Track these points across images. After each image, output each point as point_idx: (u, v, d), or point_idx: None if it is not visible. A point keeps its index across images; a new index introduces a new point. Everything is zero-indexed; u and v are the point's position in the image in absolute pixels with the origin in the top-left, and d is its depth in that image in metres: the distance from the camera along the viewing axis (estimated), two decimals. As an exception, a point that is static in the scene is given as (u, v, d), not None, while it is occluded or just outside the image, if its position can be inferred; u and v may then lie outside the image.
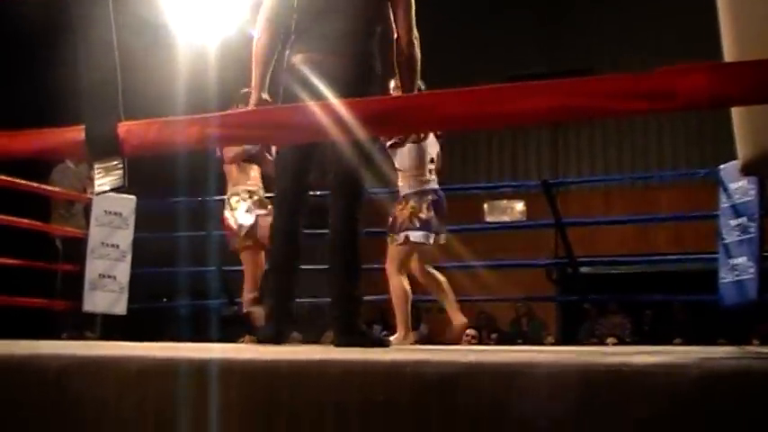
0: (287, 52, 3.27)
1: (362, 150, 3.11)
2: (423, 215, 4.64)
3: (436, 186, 4.78)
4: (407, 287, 4.69)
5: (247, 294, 5.21)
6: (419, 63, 3.29)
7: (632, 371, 1.13)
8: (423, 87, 4.28)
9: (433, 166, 4.81)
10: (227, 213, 5.24)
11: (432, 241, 4.68)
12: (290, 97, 3.07)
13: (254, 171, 5.30)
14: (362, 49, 3.19)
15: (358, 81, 3.10)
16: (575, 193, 11.51)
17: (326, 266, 3.15)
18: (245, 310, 5.18)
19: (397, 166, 4.82)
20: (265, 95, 3.33)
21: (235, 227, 5.17)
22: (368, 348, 2.55)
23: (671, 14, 11.37)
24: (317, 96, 2.90)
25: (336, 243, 3.11)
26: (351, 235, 3.11)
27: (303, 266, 3.30)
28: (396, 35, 3.25)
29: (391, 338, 4.52)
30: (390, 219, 4.80)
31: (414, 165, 4.74)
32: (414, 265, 4.83)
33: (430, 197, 4.70)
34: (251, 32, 3.30)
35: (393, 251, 4.71)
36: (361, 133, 1.52)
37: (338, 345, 2.98)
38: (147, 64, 7.59)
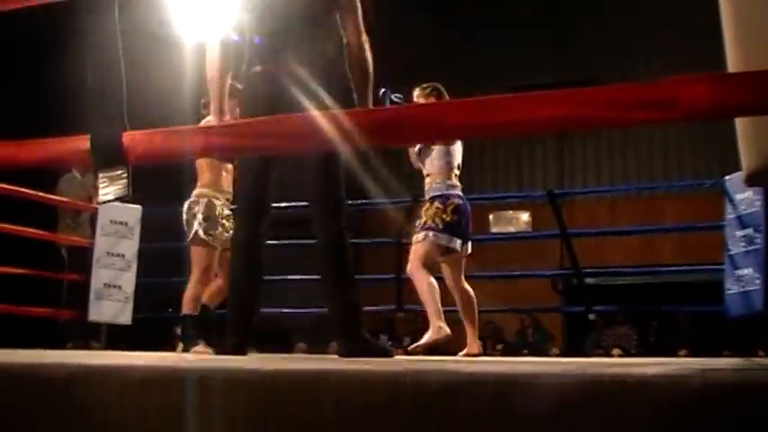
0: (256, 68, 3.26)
1: (336, 160, 3.11)
2: (446, 217, 4.64)
3: (461, 194, 4.80)
4: (433, 280, 4.59)
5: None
6: (371, 66, 3.28)
7: (636, 381, 1.12)
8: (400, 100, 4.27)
9: (458, 172, 4.84)
10: (185, 213, 5.09)
11: (458, 246, 4.66)
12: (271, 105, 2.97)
13: (227, 172, 5.01)
14: (338, 61, 3.21)
15: (342, 91, 3.12)
16: (580, 203, 11.50)
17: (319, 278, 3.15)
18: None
19: (424, 169, 4.84)
20: (227, 118, 3.36)
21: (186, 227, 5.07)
22: (372, 358, 2.55)
23: (677, 25, 11.37)
24: (307, 104, 2.91)
25: (326, 255, 3.11)
26: (339, 243, 3.11)
27: (307, 277, 3.29)
28: (346, 41, 3.25)
29: (425, 337, 4.50)
30: (416, 221, 4.82)
31: (441, 167, 4.77)
32: (450, 277, 4.83)
33: (455, 201, 4.71)
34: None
35: (415, 249, 4.69)
36: (366, 143, 1.53)
37: (342, 354, 2.98)
38: (153, 74, 7.62)
